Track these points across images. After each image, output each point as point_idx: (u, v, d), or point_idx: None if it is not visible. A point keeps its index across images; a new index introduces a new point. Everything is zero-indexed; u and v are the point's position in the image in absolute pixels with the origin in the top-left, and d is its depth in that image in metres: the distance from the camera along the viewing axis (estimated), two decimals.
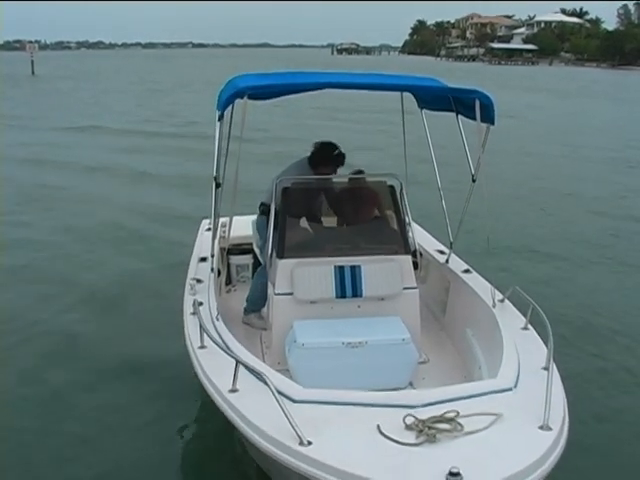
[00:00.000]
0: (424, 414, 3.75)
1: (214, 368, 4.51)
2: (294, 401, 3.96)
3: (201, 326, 4.83)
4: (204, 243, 7.32)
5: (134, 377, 6.97)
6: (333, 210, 6.60)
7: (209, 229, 7.83)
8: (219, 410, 4.27)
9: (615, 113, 40.13)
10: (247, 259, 7.83)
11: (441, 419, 3.70)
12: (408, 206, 6.32)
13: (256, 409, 3.95)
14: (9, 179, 17.08)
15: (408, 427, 3.68)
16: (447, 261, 6.85)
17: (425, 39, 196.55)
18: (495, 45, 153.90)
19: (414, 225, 6.70)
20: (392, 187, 6.24)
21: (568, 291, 9.76)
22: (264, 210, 6.42)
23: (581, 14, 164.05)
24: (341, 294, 5.81)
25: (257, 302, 6.62)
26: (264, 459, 4.23)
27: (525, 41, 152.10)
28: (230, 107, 5.87)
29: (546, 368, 4.36)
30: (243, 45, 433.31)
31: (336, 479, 3.39)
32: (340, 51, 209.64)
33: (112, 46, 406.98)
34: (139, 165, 19.68)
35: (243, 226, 7.36)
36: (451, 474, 3.21)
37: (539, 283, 9.44)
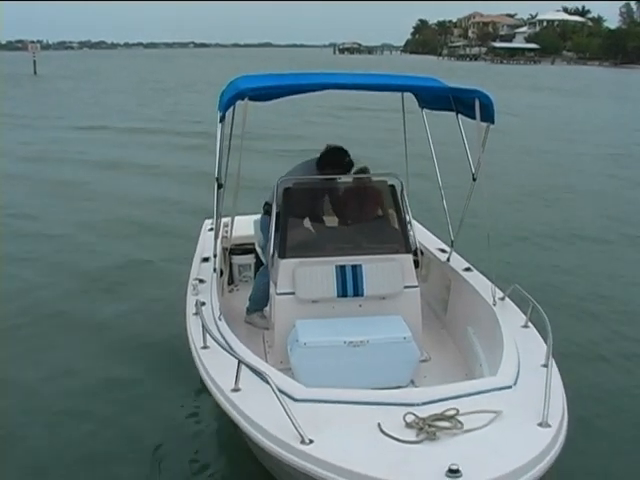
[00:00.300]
0: (424, 412, 3.78)
1: (217, 368, 4.54)
2: (295, 400, 3.99)
3: (203, 326, 4.86)
4: (206, 243, 7.35)
5: (135, 374, 7.04)
6: (336, 210, 6.61)
7: (211, 229, 7.88)
8: (222, 409, 4.30)
9: (618, 111, 40.17)
10: (249, 259, 7.86)
11: (441, 417, 3.73)
12: (409, 205, 6.34)
13: (258, 408, 3.99)
14: (19, 175, 17.65)
15: (408, 425, 3.71)
16: (448, 259, 6.87)
17: (427, 38, 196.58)
18: (497, 44, 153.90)
19: (415, 224, 6.73)
20: (393, 186, 6.26)
21: (569, 288, 9.78)
22: (267, 210, 6.45)
23: (583, 13, 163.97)
24: (342, 293, 5.83)
25: (259, 301, 6.64)
26: (267, 458, 4.26)
27: (527, 40, 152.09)
28: (231, 108, 5.90)
29: (546, 365, 4.38)
30: (245, 45, 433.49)
31: (337, 477, 3.42)
32: (342, 51, 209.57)
33: (114, 46, 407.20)
34: (147, 161, 20.17)
35: (245, 226, 7.39)
36: (450, 471, 3.24)
37: (540, 280, 9.44)
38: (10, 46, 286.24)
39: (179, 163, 19.62)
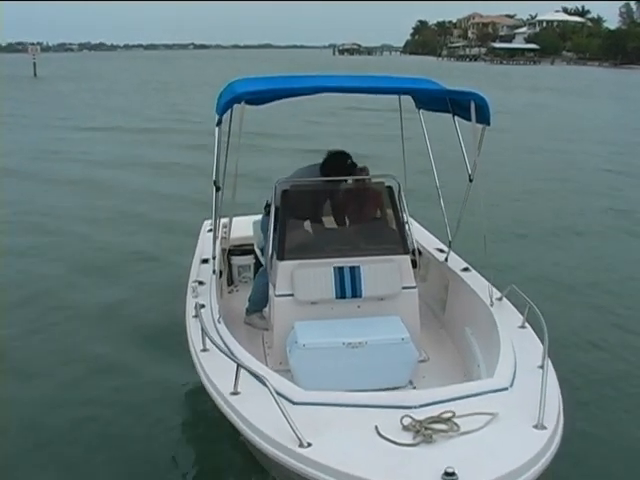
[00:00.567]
0: (421, 415, 3.81)
1: (216, 371, 4.57)
2: (294, 403, 4.02)
3: (203, 330, 4.88)
4: (206, 244, 7.36)
5: (132, 373, 7.09)
6: (334, 211, 6.64)
7: (211, 230, 7.91)
8: (221, 412, 4.33)
9: (619, 111, 40.24)
10: (248, 259, 7.88)
11: (438, 419, 3.76)
12: (407, 206, 6.37)
13: (257, 412, 4.02)
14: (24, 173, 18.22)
15: (405, 428, 3.75)
16: (446, 259, 6.91)
17: (427, 39, 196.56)
18: (497, 45, 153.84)
19: (414, 223, 6.75)
20: (390, 188, 6.29)
21: (566, 288, 9.80)
22: (269, 211, 6.48)
23: (583, 13, 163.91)
24: (341, 295, 5.86)
25: (259, 302, 6.67)
26: (266, 460, 4.29)
27: (527, 40, 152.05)
28: (229, 112, 5.92)
29: (542, 367, 4.39)
30: (245, 46, 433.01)
31: None
32: (342, 51, 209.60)
33: (114, 48, 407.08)
34: (150, 159, 20.74)
35: (244, 227, 7.42)
36: (447, 474, 3.27)
37: (537, 280, 9.49)
38: (10, 48, 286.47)
39: (182, 161, 19.91)
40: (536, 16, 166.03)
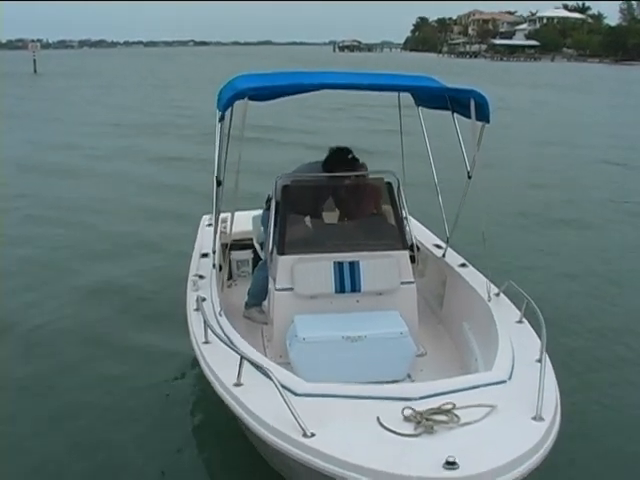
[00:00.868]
0: (422, 406, 3.87)
1: (218, 363, 4.62)
2: (296, 394, 4.06)
3: (205, 322, 4.93)
4: (205, 239, 7.42)
5: (133, 368, 7.11)
6: (334, 207, 6.67)
7: (210, 225, 7.97)
8: (224, 404, 4.38)
9: (618, 106, 40.29)
10: (247, 254, 7.92)
11: (438, 411, 3.82)
12: (405, 202, 6.42)
13: (260, 402, 4.07)
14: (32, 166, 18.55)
15: (407, 419, 3.80)
16: (444, 255, 6.96)
17: (427, 36, 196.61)
18: (497, 41, 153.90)
19: (412, 220, 6.80)
20: (390, 184, 6.33)
21: (563, 283, 9.85)
22: (269, 205, 6.53)
23: (583, 9, 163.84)
24: (340, 289, 5.91)
25: (258, 296, 6.73)
26: (269, 451, 4.35)
27: (527, 37, 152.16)
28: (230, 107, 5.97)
29: (539, 360, 4.47)
30: (245, 43, 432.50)
31: (339, 469, 3.51)
32: (342, 48, 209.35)
33: (114, 44, 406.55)
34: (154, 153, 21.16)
35: (243, 221, 7.46)
36: (448, 463, 3.34)
37: (534, 276, 9.56)
38: (10, 45, 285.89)
39: (184, 156, 20.15)
40: (536, 13, 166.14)
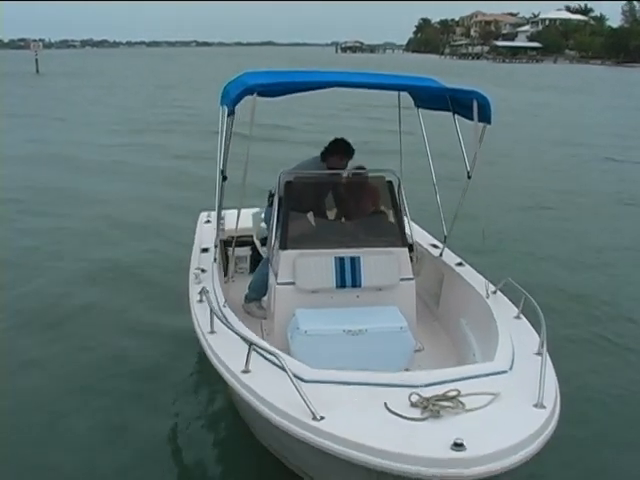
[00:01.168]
0: (428, 393, 3.99)
1: (225, 351, 4.74)
2: (304, 381, 4.15)
3: (212, 311, 5.04)
4: (204, 234, 7.58)
5: (135, 362, 7.24)
6: (336, 204, 6.77)
7: (208, 221, 8.12)
8: (226, 395, 4.47)
9: (620, 108, 40.39)
10: (246, 251, 8.00)
11: (443, 397, 3.94)
12: (405, 201, 6.53)
13: (269, 388, 4.19)
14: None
15: (413, 404, 3.92)
16: (441, 255, 7.06)
17: (429, 37, 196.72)
18: (499, 43, 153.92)
19: (408, 220, 6.89)
20: (390, 182, 6.44)
21: (559, 280, 9.98)
22: (272, 201, 6.63)
23: (586, 11, 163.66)
24: (341, 284, 6.01)
25: (259, 290, 6.83)
26: (275, 438, 4.51)
27: (529, 39, 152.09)
28: (224, 106, 6.09)
29: (539, 353, 4.60)
30: (247, 43, 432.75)
31: (349, 450, 3.63)
32: (344, 49, 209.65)
33: (116, 44, 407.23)
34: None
35: (242, 218, 7.54)
36: (455, 444, 3.48)
37: (531, 275, 9.59)
38: (13, 44, 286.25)
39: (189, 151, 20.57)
40: (539, 14, 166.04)
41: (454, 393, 3.95)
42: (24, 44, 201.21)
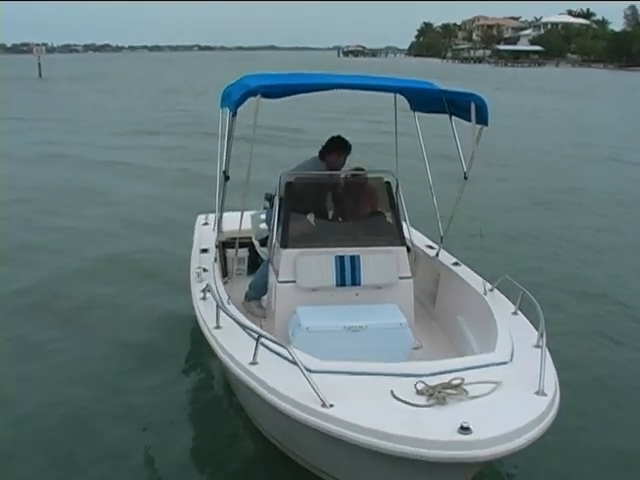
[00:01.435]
0: (433, 381, 4.15)
1: (232, 345, 4.88)
2: (311, 371, 4.26)
3: (218, 307, 5.19)
4: (203, 237, 7.73)
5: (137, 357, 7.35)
6: (336, 204, 6.88)
7: (205, 224, 8.28)
8: (241, 381, 4.56)
9: (622, 111, 40.52)
10: (243, 252, 8.07)
11: (448, 385, 4.10)
12: (403, 201, 6.65)
13: (277, 379, 4.33)
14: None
15: (419, 392, 4.08)
16: (437, 255, 7.18)
17: (431, 41, 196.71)
18: (501, 47, 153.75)
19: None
20: (388, 183, 6.57)
21: (556, 278, 10.06)
22: (272, 203, 6.73)
23: (588, 15, 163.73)
24: (341, 282, 6.13)
25: (260, 290, 6.93)
26: (282, 430, 4.71)
27: (532, 42, 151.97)
28: (224, 108, 6.21)
29: (537, 346, 4.77)
30: (249, 48, 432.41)
31: (360, 435, 3.78)
32: (346, 53, 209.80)
33: (119, 49, 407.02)
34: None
35: (239, 220, 7.64)
36: (462, 428, 3.64)
37: (528, 273, 9.66)
38: (15, 49, 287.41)
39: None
40: (541, 18, 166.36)
41: (458, 381, 4.11)
42: (27, 49, 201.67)
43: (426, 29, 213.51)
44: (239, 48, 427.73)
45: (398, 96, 7.36)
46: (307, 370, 4.22)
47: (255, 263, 7.70)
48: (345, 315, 5.79)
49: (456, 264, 6.88)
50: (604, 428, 6.07)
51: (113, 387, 6.59)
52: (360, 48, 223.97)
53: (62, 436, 5.82)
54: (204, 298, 5.68)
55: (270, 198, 6.94)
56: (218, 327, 5.16)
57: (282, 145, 21.38)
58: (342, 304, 6.02)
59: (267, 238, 6.97)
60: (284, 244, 6.16)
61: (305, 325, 5.61)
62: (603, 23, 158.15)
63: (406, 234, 6.69)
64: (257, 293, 7.00)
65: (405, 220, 6.96)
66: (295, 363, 4.19)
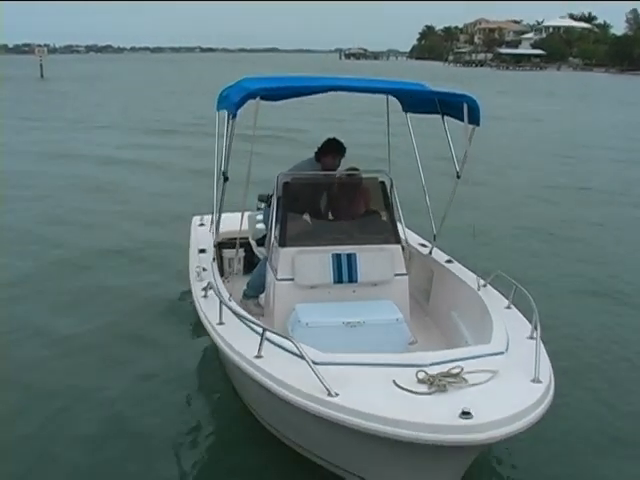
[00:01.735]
0: (433, 370, 4.32)
1: (236, 340, 5.02)
2: (315, 363, 4.39)
3: (221, 303, 5.32)
4: (199, 237, 7.86)
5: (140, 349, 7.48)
6: (332, 203, 7.00)
7: (201, 224, 8.39)
8: (247, 375, 4.67)
9: (623, 115, 40.65)
10: (240, 252, 8.16)
11: (448, 374, 4.27)
12: (398, 200, 6.80)
13: (282, 371, 4.48)
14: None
15: (420, 381, 4.25)
16: (430, 253, 7.32)
17: (433, 44, 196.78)
18: (503, 50, 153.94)
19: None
20: (383, 183, 6.73)
21: (550, 275, 10.20)
22: (270, 203, 6.83)
23: (589, 19, 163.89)
24: (338, 280, 6.26)
25: (258, 288, 7.04)
26: (287, 422, 4.85)
27: (533, 46, 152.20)
28: (221, 111, 6.32)
29: (531, 338, 4.95)
30: (251, 50, 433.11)
31: (366, 422, 3.94)
32: (348, 56, 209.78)
33: (121, 50, 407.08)
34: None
35: (234, 221, 7.72)
36: (463, 413, 3.82)
37: (521, 269, 9.76)
38: (17, 50, 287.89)
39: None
40: (542, 22, 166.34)
41: (457, 370, 4.28)
42: (28, 49, 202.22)
43: (428, 32, 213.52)
44: (241, 50, 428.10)
45: (391, 98, 7.54)
46: (312, 362, 4.34)
47: (251, 263, 7.85)
48: (343, 311, 5.93)
49: (449, 261, 7.03)
50: (598, 413, 6.26)
51: (109, 380, 6.71)
52: (362, 51, 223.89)
53: (57, 429, 5.89)
54: (205, 296, 5.82)
55: (265, 199, 7.13)
56: (221, 323, 5.29)
57: (282, 145, 21.55)
58: (339, 301, 6.15)
59: (264, 238, 7.10)
60: (282, 243, 6.28)
61: (305, 321, 5.75)
62: (605, 27, 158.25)
63: (400, 233, 6.81)
64: (255, 292, 7.10)
65: (400, 219, 7.11)
66: (301, 355, 4.33)
